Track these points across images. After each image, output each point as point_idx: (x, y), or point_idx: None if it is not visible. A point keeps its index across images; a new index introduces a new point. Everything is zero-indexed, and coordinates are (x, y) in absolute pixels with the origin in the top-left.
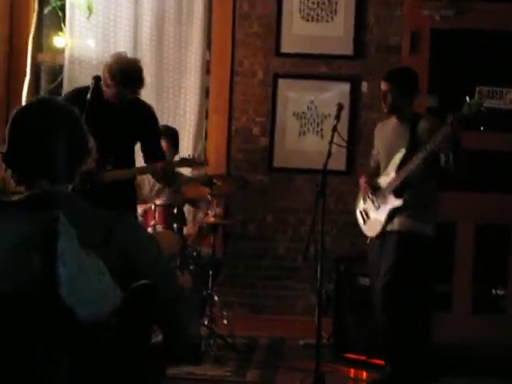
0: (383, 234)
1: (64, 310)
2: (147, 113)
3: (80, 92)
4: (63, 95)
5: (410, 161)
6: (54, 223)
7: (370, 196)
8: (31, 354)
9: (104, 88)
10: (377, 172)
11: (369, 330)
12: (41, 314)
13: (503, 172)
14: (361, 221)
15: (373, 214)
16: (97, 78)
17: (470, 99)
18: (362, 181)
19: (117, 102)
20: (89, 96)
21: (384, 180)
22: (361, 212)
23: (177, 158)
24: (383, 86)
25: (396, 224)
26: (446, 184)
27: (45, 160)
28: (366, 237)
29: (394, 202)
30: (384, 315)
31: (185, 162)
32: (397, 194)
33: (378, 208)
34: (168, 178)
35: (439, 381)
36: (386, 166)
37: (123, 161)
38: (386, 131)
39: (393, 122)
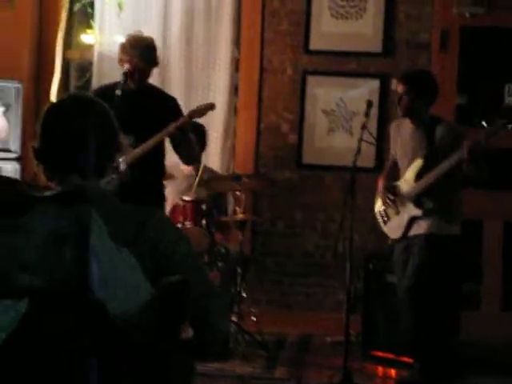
0: (405, 237)
1: (95, 305)
2: (170, 103)
3: (106, 89)
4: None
5: (427, 173)
6: (86, 219)
7: (390, 200)
8: (62, 348)
9: (124, 68)
10: (395, 172)
11: (397, 327)
12: (73, 308)
13: None
14: (381, 221)
15: (393, 217)
16: (126, 74)
17: (487, 124)
18: (380, 183)
19: (135, 77)
20: (119, 92)
21: (403, 186)
22: (380, 212)
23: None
24: (400, 87)
25: (422, 227)
26: (472, 183)
27: (77, 156)
28: (388, 237)
29: (414, 211)
30: (411, 314)
31: (196, 112)
32: (416, 202)
33: (397, 213)
34: (187, 140)
35: (467, 379)
36: (404, 172)
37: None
38: (402, 133)
39: (408, 123)
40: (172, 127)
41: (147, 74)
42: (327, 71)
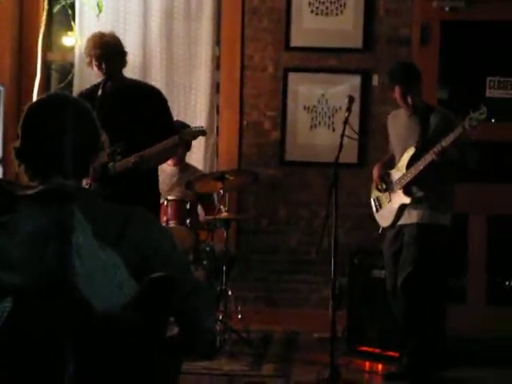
0: (394, 225)
1: (80, 302)
2: (150, 94)
3: (87, 93)
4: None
5: (419, 159)
6: (69, 217)
7: (382, 187)
8: (46, 345)
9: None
10: (392, 162)
11: (383, 322)
12: (56, 305)
13: None
14: (374, 209)
15: (385, 205)
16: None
17: (472, 111)
18: (375, 171)
19: (108, 79)
20: (100, 92)
21: (396, 174)
22: (374, 200)
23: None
24: (397, 90)
25: (414, 216)
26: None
27: (58, 155)
28: (378, 225)
29: (403, 199)
30: (404, 307)
31: (188, 134)
32: (406, 190)
33: (389, 201)
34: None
35: (453, 372)
36: (398, 160)
37: (136, 151)
38: (397, 123)
39: (403, 113)
40: (161, 148)
41: (116, 70)
42: (308, 68)
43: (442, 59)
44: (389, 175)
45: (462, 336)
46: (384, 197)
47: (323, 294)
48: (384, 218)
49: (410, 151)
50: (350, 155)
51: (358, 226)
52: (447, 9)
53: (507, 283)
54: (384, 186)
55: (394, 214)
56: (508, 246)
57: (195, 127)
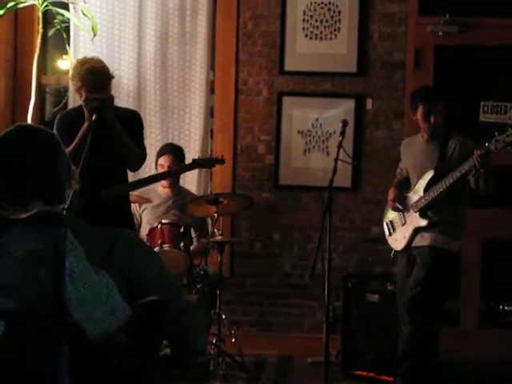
0: (407, 248)
1: (73, 327)
2: (134, 119)
3: (68, 115)
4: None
5: (437, 183)
6: (62, 240)
7: (398, 210)
8: (39, 369)
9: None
10: (406, 186)
11: (377, 346)
12: (49, 330)
13: (508, 186)
14: (386, 232)
15: (398, 228)
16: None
17: (498, 134)
18: (391, 194)
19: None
20: (94, 117)
21: (412, 197)
22: (387, 223)
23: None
24: (420, 110)
25: (427, 239)
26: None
27: (36, 185)
28: (390, 249)
29: (419, 222)
30: (410, 326)
31: (202, 161)
32: (422, 213)
33: (403, 224)
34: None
35: None
36: (415, 184)
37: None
38: (414, 147)
39: (420, 138)
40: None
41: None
42: (302, 92)
43: (436, 83)
44: (405, 198)
45: (454, 359)
46: (398, 220)
47: (317, 318)
48: (397, 241)
49: (429, 174)
50: (344, 179)
51: (351, 250)
52: (441, 33)
53: (501, 307)
54: (400, 208)
55: (408, 236)
56: (502, 269)
57: (214, 156)
